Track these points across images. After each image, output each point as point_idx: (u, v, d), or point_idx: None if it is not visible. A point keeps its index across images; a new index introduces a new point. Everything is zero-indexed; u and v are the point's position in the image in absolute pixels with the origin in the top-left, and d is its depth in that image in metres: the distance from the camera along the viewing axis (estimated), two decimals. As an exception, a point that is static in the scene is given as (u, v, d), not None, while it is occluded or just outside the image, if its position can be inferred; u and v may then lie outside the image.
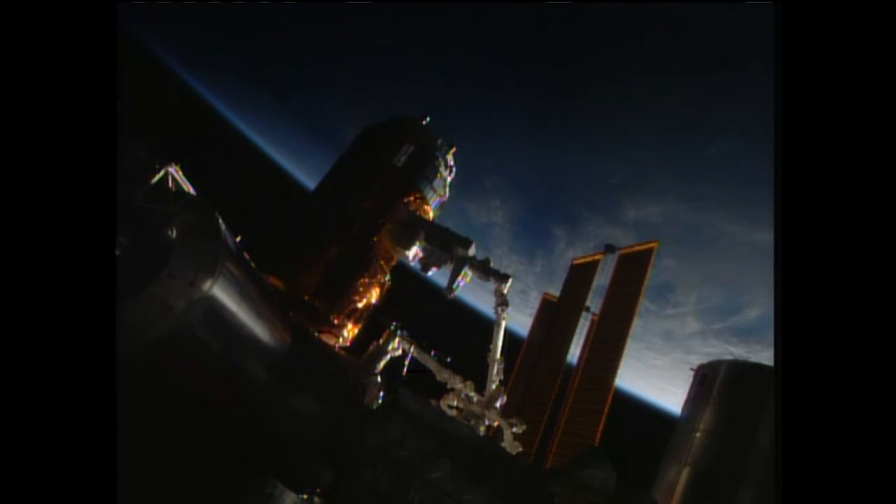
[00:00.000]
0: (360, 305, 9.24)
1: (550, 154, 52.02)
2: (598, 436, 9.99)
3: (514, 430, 9.13)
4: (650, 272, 11.22)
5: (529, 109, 49.26)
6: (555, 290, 13.46)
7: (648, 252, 11.51)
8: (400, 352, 8.76)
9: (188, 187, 5.85)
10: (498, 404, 9.13)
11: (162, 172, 5.42)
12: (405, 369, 8.81)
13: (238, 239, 6.14)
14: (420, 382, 8.41)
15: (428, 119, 10.27)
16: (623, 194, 50.71)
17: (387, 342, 8.60)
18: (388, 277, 9.69)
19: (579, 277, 12.59)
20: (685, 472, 7.69)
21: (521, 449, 9.12)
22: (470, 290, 9.35)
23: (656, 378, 48.62)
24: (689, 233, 47.43)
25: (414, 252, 9.06)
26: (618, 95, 45.79)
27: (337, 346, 8.78)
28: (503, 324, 9.12)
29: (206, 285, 5.29)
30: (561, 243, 53.28)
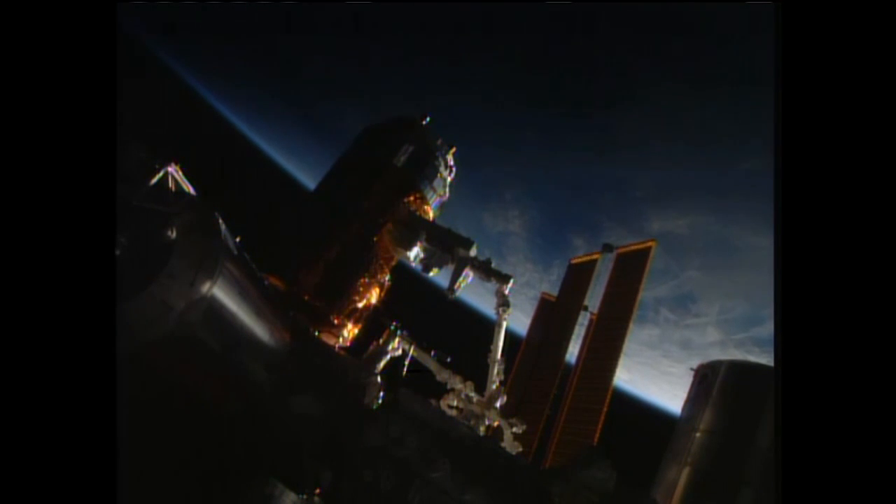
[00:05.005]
0: (360, 305, 9.24)
1: (573, 164, 51.29)
2: (597, 435, 9.98)
3: (514, 430, 9.13)
4: (648, 271, 11.21)
5: (550, 118, 48.67)
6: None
7: (646, 251, 11.50)
8: (400, 352, 8.76)
9: (188, 187, 5.86)
10: (498, 404, 9.13)
11: (162, 172, 5.42)
12: (405, 369, 8.81)
13: (238, 239, 6.14)
14: (420, 382, 8.41)
15: (428, 119, 10.27)
16: (648, 206, 50.05)
17: (387, 342, 8.59)
18: (388, 277, 9.69)
19: (577, 277, 12.57)
20: (685, 472, 7.68)
21: (521, 449, 9.12)
22: (471, 290, 9.36)
23: (669, 384, 48.13)
24: (716, 245, 46.74)
25: (415, 252, 9.06)
26: (646, 105, 45.20)
27: (337, 346, 8.78)
28: (504, 324, 9.13)
29: (206, 286, 5.28)
30: (580, 253, 52.55)
